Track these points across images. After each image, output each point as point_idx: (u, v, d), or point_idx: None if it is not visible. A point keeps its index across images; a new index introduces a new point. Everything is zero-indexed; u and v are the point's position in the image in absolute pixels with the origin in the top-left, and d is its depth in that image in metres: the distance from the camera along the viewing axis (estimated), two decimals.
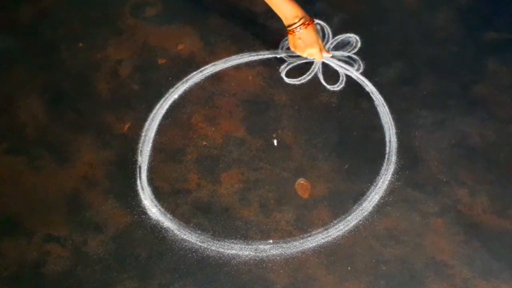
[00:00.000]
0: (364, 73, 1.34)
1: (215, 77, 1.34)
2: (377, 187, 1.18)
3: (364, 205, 1.16)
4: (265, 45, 1.38)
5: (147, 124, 1.27)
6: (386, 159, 1.22)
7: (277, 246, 1.12)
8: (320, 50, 1.27)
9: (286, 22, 1.22)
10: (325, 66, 1.35)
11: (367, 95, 1.31)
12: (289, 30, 1.22)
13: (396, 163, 1.21)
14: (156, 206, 1.17)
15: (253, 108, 1.30)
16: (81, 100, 1.32)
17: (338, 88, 1.32)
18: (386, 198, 1.17)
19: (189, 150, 1.24)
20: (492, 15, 1.44)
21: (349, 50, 1.38)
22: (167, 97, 1.31)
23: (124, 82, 1.34)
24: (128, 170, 1.21)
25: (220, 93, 1.32)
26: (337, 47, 1.38)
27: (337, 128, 1.26)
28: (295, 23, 1.20)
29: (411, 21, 1.44)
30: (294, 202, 1.17)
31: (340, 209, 1.16)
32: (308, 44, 1.23)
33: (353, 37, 1.40)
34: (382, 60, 1.36)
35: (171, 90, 1.32)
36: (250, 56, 1.37)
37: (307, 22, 1.20)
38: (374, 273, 1.08)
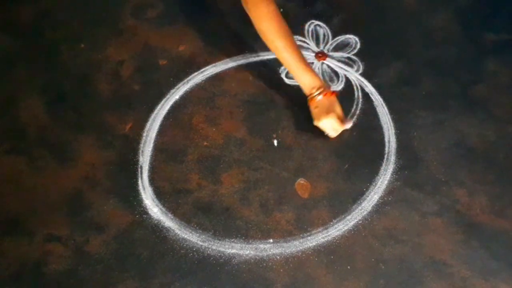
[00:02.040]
0: (363, 74, 1.34)
1: (216, 78, 1.34)
2: (376, 187, 1.18)
3: (363, 204, 1.16)
4: (265, 46, 1.38)
5: (148, 124, 1.28)
6: (385, 159, 1.22)
7: (277, 245, 1.12)
8: (340, 122, 1.20)
9: (305, 91, 1.21)
10: (325, 66, 1.36)
11: (366, 96, 1.31)
12: (309, 99, 1.21)
13: (395, 163, 1.21)
14: (157, 206, 1.17)
15: (254, 108, 1.30)
16: (82, 101, 1.32)
17: (338, 89, 1.33)
18: (385, 198, 1.17)
19: (190, 150, 1.25)
20: (492, 16, 1.44)
21: (349, 51, 1.38)
22: (168, 97, 1.32)
23: (125, 82, 1.35)
24: (130, 170, 1.22)
25: (221, 94, 1.32)
26: (337, 48, 1.39)
27: None
28: (312, 93, 1.19)
29: (411, 22, 1.44)
30: (294, 202, 1.17)
31: (340, 209, 1.16)
32: (323, 112, 1.19)
33: (352, 38, 1.40)
34: (381, 61, 1.36)
35: (172, 90, 1.33)
36: (251, 57, 1.37)
37: (324, 92, 1.19)
38: (373, 273, 1.09)
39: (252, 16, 1.18)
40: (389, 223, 1.14)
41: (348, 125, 1.24)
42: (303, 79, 1.20)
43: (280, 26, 1.17)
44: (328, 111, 1.19)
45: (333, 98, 1.21)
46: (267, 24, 1.17)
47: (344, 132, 1.25)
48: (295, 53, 1.18)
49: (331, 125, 1.21)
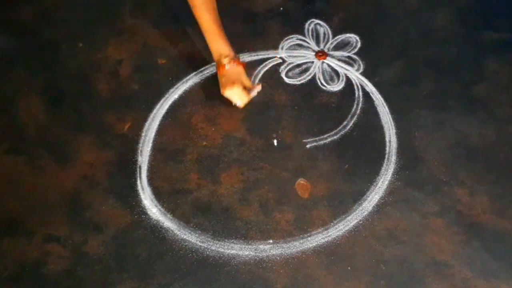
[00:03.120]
0: (364, 73, 1.34)
1: (215, 77, 1.34)
2: (377, 187, 1.18)
3: (364, 205, 1.16)
4: (265, 45, 1.38)
5: (147, 124, 1.27)
6: (386, 159, 1.22)
7: (277, 246, 1.12)
8: (246, 93, 1.23)
9: (214, 57, 1.23)
10: (325, 65, 1.35)
11: (367, 95, 1.31)
12: (217, 66, 1.23)
13: (396, 163, 1.21)
14: (156, 206, 1.17)
15: (253, 108, 1.30)
16: (81, 100, 1.32)
17: (338, 88, 1.32)
18: (386, 198, 1.17)
19: (189, 150, 1.24)
20: (492, 15, 1.44)
21: (349, 50, 1.38)
22: (167, 97, 1.31)
23: (124, 82, 1.34)
24: (128, 170, 1.21)
25: (220, 93, 1.32)
26: (337, 47, 1.38)
27: (337, 128, 1.26)
28: (220, 61, 1.21)
29: (411, 21, 1.44)
30: (294, 202, 1.17)
31: (340, 209, 1.16)
32: (230, 82, 1.21)
33: (353, 37, 1.40)
34: (382, 60, 1.36)
35: (171, 90, 1.32)
36: (250, 56, 1.37)
37: (232, 62, 1.21)
38: (374, 273, 1.08)
39: None
40: (390, 223, 1.14)
41: (254, 93, 1.26)
42: (213, 44, 1.21)
43: None
44: (234, 81, 1.21)
45: (241, 69, 1.22)
46: None
47: (344, 132, 1.24)
48: (211, 16, 1.19)
49: (237, 95, 1.22)
